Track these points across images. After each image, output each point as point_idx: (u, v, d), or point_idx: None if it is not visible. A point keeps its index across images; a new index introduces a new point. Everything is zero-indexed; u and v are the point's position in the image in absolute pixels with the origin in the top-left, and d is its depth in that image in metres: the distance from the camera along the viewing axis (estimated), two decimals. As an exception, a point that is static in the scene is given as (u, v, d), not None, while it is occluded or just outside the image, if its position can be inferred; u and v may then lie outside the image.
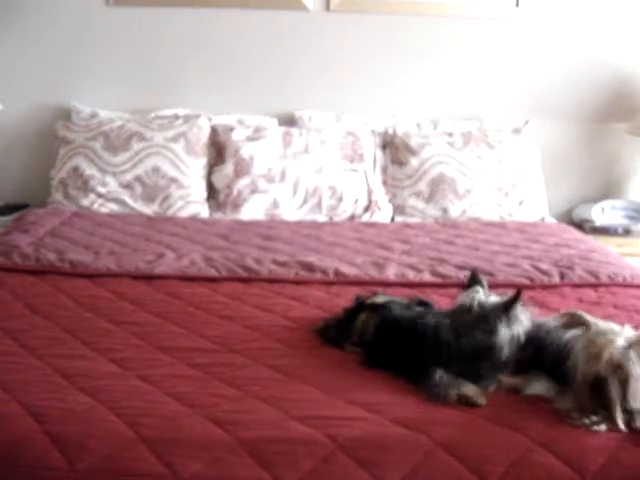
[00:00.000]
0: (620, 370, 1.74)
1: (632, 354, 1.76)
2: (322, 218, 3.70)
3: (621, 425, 1.76)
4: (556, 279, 2.85)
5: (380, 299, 2.31)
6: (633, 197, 4.23)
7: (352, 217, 3.71)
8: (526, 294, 2.68)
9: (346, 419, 1.78)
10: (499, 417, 1.81)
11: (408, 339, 2.02)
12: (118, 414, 1.78)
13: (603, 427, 1.76)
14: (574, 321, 1.88)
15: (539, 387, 1.92)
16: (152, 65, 4.01)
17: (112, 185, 3.68)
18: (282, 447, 1.68)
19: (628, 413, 1.77)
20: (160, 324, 2.35)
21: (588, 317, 1.86)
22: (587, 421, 1.76)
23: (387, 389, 1.95)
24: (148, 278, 2.75)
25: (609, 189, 4.22)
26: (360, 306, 2.29)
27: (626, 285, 2.78)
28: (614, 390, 1.74)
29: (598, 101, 4.17)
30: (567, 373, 1.84)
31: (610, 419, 1.76)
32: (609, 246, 3.56)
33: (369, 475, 1.65)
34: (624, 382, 1.75)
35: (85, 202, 3.66)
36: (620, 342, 1.76)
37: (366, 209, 3.73)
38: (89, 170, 3.69)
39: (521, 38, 4.10)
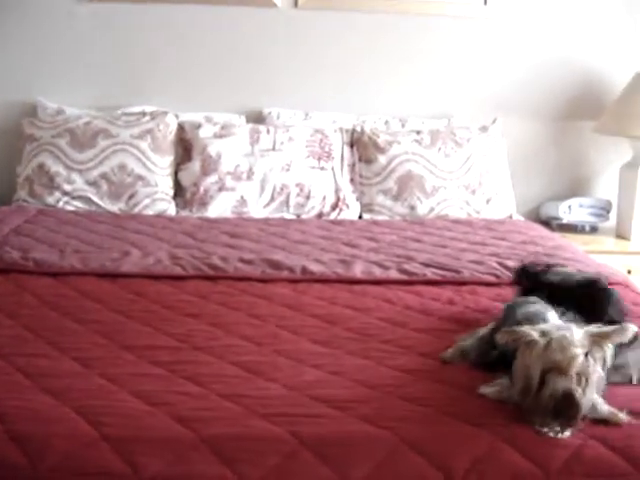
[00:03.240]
0: (585, 380, 1.75)
1: (591, 359, 1.77)
2: (290, 216, 3.69)
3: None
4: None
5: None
6: (600, 195, 4.27)
7: (320, 215, 3.71)
8: (492, 291, 2.74)
9: (310, 416, 1.77)
10: (464, 413, 1.81)
11: None
12: (80, 413, 1.76)
13: (568, 433, 1.76)
14: (516, 339, 1.85)
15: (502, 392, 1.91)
16: (119, 62, 3.98)
17: (78, 183, 3.65)
18: (245, 444, 1.67)
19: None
20: (124, 322, 2.33)
21: (531, 332, 1.82)
22: (552, 433, 1.76)
23: (352, 386, 1.94)
24: (113, 276, 2.73)
25: (576, 187, 4.26)
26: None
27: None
28: (580, 398, 1.74)
29: (565, 99, 4.20)
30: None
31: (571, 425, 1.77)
32: (576, 243, 3.59)
33: (333, 472, 1.64)
34: (586, 388, 1.75)
35: (50, 200, 3.62)
36: (580, 353, 1.75)
37: (334, 207, 3.72)
38: (55, 167, 3.66)
39: (489, 36, 4.12)
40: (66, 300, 2.50)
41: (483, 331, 2.16)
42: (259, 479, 1.63)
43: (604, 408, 1.82)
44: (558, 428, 1.75)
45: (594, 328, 1.83)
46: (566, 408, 1.74)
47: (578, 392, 1.74)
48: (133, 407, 1.80)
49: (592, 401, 1.79)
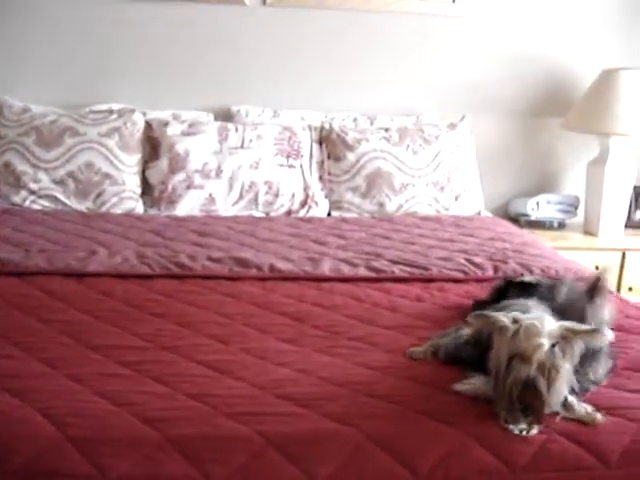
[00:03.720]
0: (548, 370, 1.75)
1: (559, 351, 1.77)
2: (258, 214, 3.68)
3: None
4: (490, 273, 2.88)
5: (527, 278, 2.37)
6: (568, 191, 4.30)
7: (289, 212, 3.70)
8: (460, 288, 2.75)
9: (277, 414, 1.77)
10: (431, 411, 1.81)
11: None
12: (45, 414, 1.74)
13: (535, 431, 1.77)
14: (487, 324, 1.87)
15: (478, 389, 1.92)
16: (86, 59, 3.94)
17: (44, 181, 3.61)
18: (212, 444, 1.66)
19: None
20: (90, 322, 2.31)
21: (502, 318, 1.84)
22: (516, 431, 1.76)
23: (319, 383, 1.94)
24: (79, 276, 2.70)
25: (544, 183, 4.29)
26: (508, 284, 2.32)
27: (559, 278, 2.81)
28: (543, 389, 1.74)
29: (533, 96, 4.23)
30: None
31: (536, 419, 1.77)
32: (544, 240, 3.62)
33: (299, 470, 1.64)
34: (552, 380, 1.75)
35: (16, 199, 3.58)
36: (546, 343, 1.76)
37: (303, 204, 3.72)
38: (21, 166, 3.61)
39: (457, 34, 4.14)
40: (31, 300, 2.47)
41: (465, 332, 2.12)
42: (225, 478, 1.62)
43: (580, 408, 1.83)
44: (524, 426, 1.76)
45: (570, 323, 1.84)
46: (529, 397, 1.75)
47: (541, 381, 1.74)
48: (99, 408, 1.78)
49: (564, 397, 1.80)
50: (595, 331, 1.83)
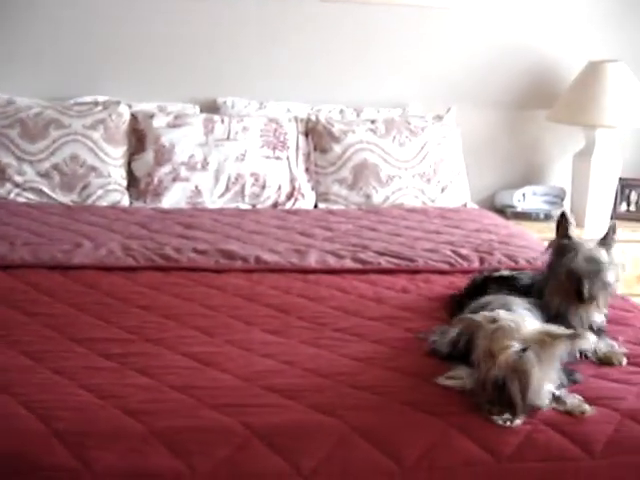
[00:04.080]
0: (518, 373, 1.75)
1: (530, 355, 1.76)
2: (245, 206, 3.67)
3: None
4: (476, 264, 2.89)
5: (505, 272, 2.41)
6: (554, 183, 4.31)
7: (275, 204, 3.70)
8: (446, 279, 2.76)
9: (261, 406, 1.77)
10: (415, 401, 1.82)
11: None
12: (29, 408, 1.74)
13: (519, 422, 1.77)
14: (469, 326, 1.88)
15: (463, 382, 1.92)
16: (71, 51, 3.92)
17: (29, 174, 3.59)
18: (196, 436, 1.66)
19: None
20: (75, 315, 2.31)
21: (482, 320, 1.84)
22: (500, 421, 1.77)
23: (304, 375, 1.95)
24: (64, 268, 2.69)
25: (530, 175, 4.29)
26: (486, 279, 2.34)
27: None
28: (515, 391, 1.75)
29: (519, 88, 4.23)
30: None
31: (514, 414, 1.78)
32: (530, 231, 3.63)
33: (284, 461, 1.64)
34: (524, 383, 1.75)
35: (1, 191, 3.55)
36: (516, 346, 1.76)
37: (289, 196, 3.71)
38: (6, 159, 3.59)
39: (444, 26, 4.13)
40: (16, 293, 2.46)
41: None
42: (210, 470, 1.62)
43: (570, 400, 1.83)
44: (507, 416, 1.76)
45: (551, 327, 1.84)
46: (502, 395, 1.75)
47: (512, 382, 1.74)
48: (83, 401, 1.78)
49: (549, 394, 1.81)
50: (576, 335, 1.82)
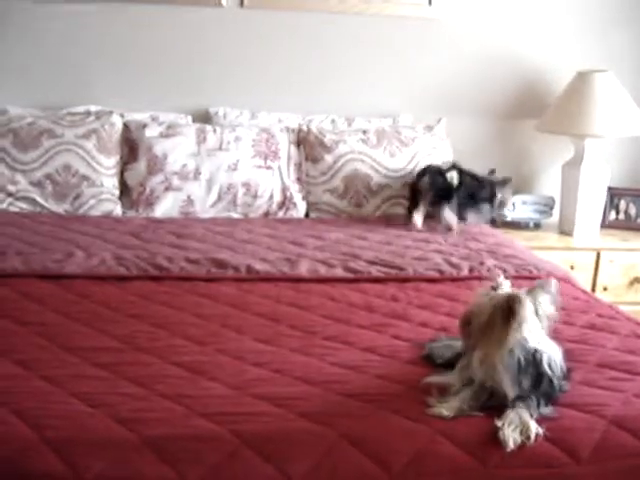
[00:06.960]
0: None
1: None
2: (237, 215, 3.69)
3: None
4: (465, 272, 2.91)
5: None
6: (543, 192, 4.34)
7: (267, 214, 3.72)
8: (435, 287, 2.78)
9: (252, 414, 1.78)
10: (402, 408, 1.83)
11: None
12: (20, 416, 1.75)
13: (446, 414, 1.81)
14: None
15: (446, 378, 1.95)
16: (64, 61, 3.94)
17: (22, 183, 3.60)
18: (186, 444, 1.68)
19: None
20: (67, 324, 2.32)
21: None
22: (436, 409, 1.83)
23: (294, 383, 1.96)
24: (56, 278, 2.70)
25: (519, 184, 4.30)
26: None
27: (532, 277, 2.83)
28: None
29: (508, 98, 4.26)
30: None
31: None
32: (519, 240, 3.65)
33: (274, 469, 1.65)
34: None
35: (-6, 201, 3.58)
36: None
37: (281, 206, 3.73)
38: (-2, 168, 3.61)
39: (434, 36, 4.16)
40: (7, 302, 2.47)
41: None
42: (201, 478, 1.63)
43: (524, 417, 1.80)
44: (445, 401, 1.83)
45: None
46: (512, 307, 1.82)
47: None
48: (74, 409, 1.79)
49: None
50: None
